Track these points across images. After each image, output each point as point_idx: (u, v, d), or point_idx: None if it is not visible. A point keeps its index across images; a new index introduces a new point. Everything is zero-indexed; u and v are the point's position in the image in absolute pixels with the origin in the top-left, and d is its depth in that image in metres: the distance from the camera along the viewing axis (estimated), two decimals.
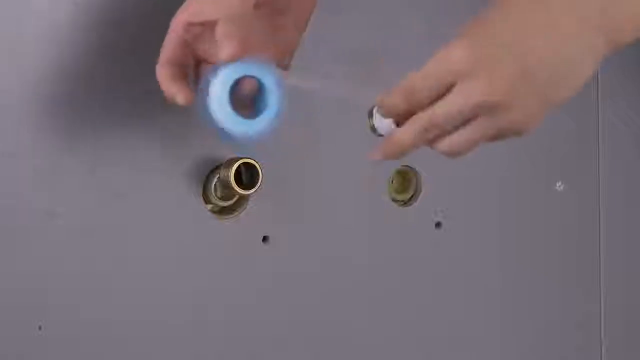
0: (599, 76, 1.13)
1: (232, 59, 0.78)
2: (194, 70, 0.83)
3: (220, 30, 0.79)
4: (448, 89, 0.74)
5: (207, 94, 0.78)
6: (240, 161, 0.90)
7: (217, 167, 0.92)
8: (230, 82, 0.78)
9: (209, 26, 0.81)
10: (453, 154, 0.77)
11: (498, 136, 0.76)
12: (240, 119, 0.78)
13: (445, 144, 0.76)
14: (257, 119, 0.79)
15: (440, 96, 0.75)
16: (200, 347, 0.92)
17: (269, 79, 0.79)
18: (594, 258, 1.19)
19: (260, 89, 0.79)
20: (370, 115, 0.82)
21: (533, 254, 1.14)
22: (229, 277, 0.93)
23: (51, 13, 0.85)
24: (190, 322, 0.91)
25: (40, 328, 0.84)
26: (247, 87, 0.79)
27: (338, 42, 0.99)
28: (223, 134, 0.78)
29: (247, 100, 0.80)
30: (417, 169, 1.04)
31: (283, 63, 0.87)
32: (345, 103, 1.00)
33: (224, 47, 0.78)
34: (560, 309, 1.16)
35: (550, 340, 1.16)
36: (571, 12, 0.74)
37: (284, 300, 0.97)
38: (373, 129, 0.83)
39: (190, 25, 0.81)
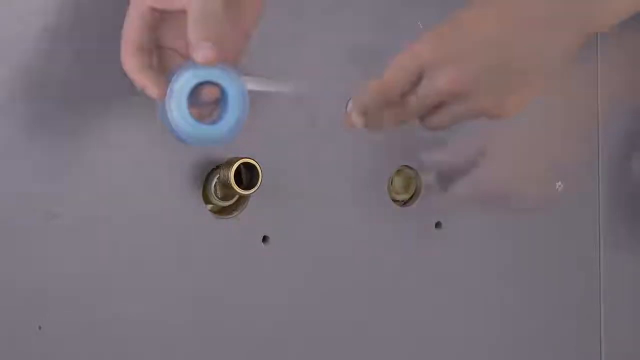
0: (599, 76, 1.13)
1: (209, 63, 0.76)
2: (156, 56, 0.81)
3: (192, 28, 0.76)
4: (418, 79, 0.77)
5: (167, 97, 0.77)
6: (240, 161, 0.90)
7: (217, 167, 0.92)
8: (190, 87, 0.77)
9: (174, 14, 0.78)
10: (431, 129, 0.80)
11: (474, 117, 0.79)
12: (198, 124, 0.77)
13: (423, 123, 0.80)
14: (216, 125, 0.78)
15: (410, 87, 0.77)
16: (200, 347, 0.92)
17: (231, 86, 0.78)
18: (593, 258, 1.19)
19: (222, 95, 0.78)
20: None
21: (533, 254, 1.14)
22: (229, 277, 0.93)
23: (49, 11, 0.85)
24: (190, 322, 0.91)
25: (40, 328, 0.84)
26: (208, 93, 0.78)
27: (337, 42, 0.99)
28: (180, 137, 0.78)
29: (208, 105, 0.79)
30: (417, 169, 1.04)
31: (241, 48, 0.84)
32: (346, 103, 1.00)
33: (200, 49, 0.76)
34: (560, 309, 1.16)
35: (550, 340, 1.16)
36: (542, 6, 0.76)
37: (284, 300, 0.96)
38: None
39: (153, 10, 0.78)
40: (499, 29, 0.76)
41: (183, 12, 0.77)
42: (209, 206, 0.93)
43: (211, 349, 0.93)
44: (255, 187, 0.90)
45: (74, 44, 0.86)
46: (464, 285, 1.09)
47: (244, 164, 0.90)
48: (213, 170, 0.92)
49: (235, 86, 0.78)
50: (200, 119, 0.78)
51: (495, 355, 1.11)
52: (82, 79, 0.86)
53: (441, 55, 0.76)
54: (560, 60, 0.77)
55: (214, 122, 0.78)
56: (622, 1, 0.77)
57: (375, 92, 0.78)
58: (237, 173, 0.90)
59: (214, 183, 0.92)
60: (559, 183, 1.15)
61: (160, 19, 0.80)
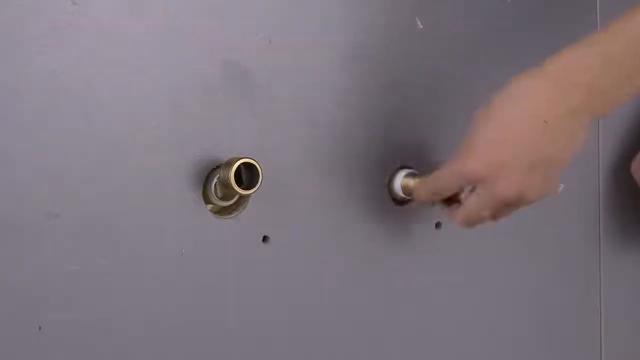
0: None
1: None
2: None
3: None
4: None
5: None
6: (240, 161, 0.89)
7: (217, 167, 0.92)
8: None
9: None
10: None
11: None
12: None
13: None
14: None
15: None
16: (200, 347, 0.92)
17: None
18: (593, 258, 1.20)
19: None
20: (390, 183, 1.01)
21: (533, 254, 1.14)
22: (229, 277, 0.93)
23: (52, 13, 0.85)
24: (191, 322, 0.91)
25: (40, 328, 0.84)
26: None
27: (337, 41, 0.99)
28: None
29: None
30: (416, 169, 1.04)
31: None
32: (346, 103, 1.00)
33: None
34: (560, 309, 1.16)
35: (550, 340, 1.16)
36: (560, 105, 0.87)
37: (284, 300, 0.97)
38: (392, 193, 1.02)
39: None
40: (532, 133, 0.87)
41: None
42: (209, 206, 0.93)
43: (211, 349, 0.93)
44: (255, 187, 0.90)
45: (73, 44, 0.86)
46: (463, 285, 1.09)
47: (244, 164, 0.90)
48: (213, 170, 0.92)
49: None
50: None
51: (495, 355, 1.11)
52: (81, 80, 0.86)
53: (487, 173, 0.88)
54: (577, 144, 0.89)
55: None
56: (623, 91, 0.88)
57: (425, 196, 0.96)
58: (237, 173, 0.89)
59: (214, 183, 0.92)
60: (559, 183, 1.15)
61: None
